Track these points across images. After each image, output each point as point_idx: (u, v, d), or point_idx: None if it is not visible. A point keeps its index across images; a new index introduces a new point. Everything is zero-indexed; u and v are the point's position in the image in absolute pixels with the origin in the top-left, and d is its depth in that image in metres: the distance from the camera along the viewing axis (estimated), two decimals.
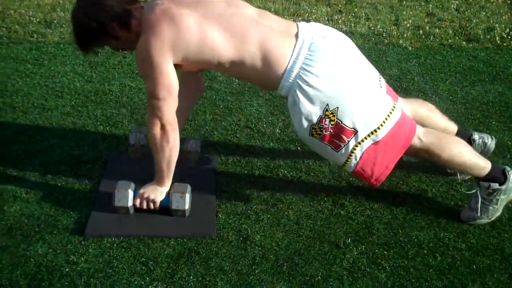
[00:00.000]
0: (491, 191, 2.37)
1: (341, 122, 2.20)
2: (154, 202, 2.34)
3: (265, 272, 2.11)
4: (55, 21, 4.46)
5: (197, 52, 2.18)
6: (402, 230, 2.37)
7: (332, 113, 2.19)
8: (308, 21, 4.75)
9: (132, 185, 2.35)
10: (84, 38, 2.26)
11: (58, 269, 2.07)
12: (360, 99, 2.22)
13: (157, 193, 2.34)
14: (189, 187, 2.37)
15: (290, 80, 2.19)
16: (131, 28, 2.22)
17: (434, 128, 2.55)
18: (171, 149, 2.26)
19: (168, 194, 2.36)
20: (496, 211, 2.39)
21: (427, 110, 2.66)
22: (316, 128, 2.23)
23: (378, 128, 2.23)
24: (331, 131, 2.22)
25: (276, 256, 2.19)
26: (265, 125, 3.13)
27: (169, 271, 2.09)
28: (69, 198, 2.45)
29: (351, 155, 2.26)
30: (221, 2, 2.27)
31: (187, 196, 2.33)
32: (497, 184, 2.36)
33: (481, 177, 2.38)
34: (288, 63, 2.19)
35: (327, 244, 2.27)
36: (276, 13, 4.93)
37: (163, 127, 2.21)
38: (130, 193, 2.33)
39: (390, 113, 2.26)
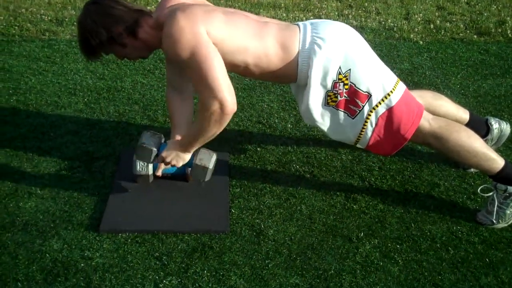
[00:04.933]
0: (507, 194, 2.34)
1: (355, 86, 2.24)
2: (174, 165, 2.37)
3: (278, 266, 2.12)
4: (67, 19, 4.49)
5: (225, 43, 2.17)
6: (415, 224, 2.37)
7: (345, 76, 2.23)
8: (319, 16, 4.78)
9: (155, 150, 2.34)
10: (91, 45, 2.26)
11: (73, 264, 2.10)
12: (370, 63, 2.30)
13: (179, 160, 2.36)
14: (215, 155, 2.38)
15: (306, 48, 2.25)
16: (138, 36, 2.24)
17: (445, 112, 2.58)
18: (219, 129, 2.20)
19: (191, 157, 2.37)
20: None
21: (431, 95, 2.68)
22: (331, 95, 2.27)
23: (391, 91, 2.27)
24: (346, 95, 2.26)
25: (289, 251, 2.20)
26: (276, 121, 3.14)
27: (183, 265, 2.11)
28: (84, 194, 2.47)
29: (367, 122, 2.28)
30: (228, 9, 2.37)
31: (214, 158, 2.34)
32: None
33: (495, 175, 2.35)
34: (300, 39, 2.27)
35: (340, 238, 2.28)
36: (286, 8, 4.95)
37: (222, 107, 2.11)
38: (153, 153, 2.34)
39: (397, 82, 2.32)
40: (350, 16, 4.85)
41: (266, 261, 2.14)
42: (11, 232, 2.23)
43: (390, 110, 2.27)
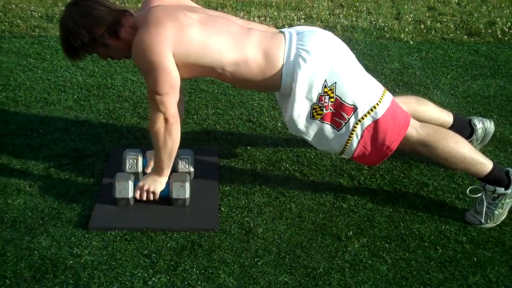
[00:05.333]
0: (496, 195, 2.36)
1: (340, 99, 2.24)
2: (154, 193, 2.36)
3: (268, 265, 2.13)
4: (57, 16, 4.47)
5: (199, 53, 2.19)
6: (404, 223, 2.38)
7: (330, 90, 2.22)
8: (309, 15, 4.78)
9: (132, 176, 2.37)
10: (73, 46, 2.25)
11: (62, 261, 2.09)
12: (356, 75, 2.29)
13: (157, 184, 2.36)
14: (188, 176, 2.39)
15: (291, 60, 2.23)
16: (120, 36, 2.23)
17: (430, 116, 2.60)
18: (173, 141, 2.27)
19: (167, 184, 2.37)
20: (502, 214, 2.38)
21: (415, 100, 2.68)
22: (316, 108, 2.26)
23: (377, 104, 2.26)
24: (331, 109, 2.25)
25: (278, 249, 2.20)
26: (267, 119, 3.14)
27: (172, 263, 2.11)
28: (73, 191, 2.46)
29: (352, 134, 2.28)
30: (211, 11, 2.36)
31: (187, 185, 2.35)
32: (502, 189, 2.34)
33: (484, 177, 2.36)
34: (285, 50, 2.25)
35: (329, 236, 2.28)
36: (277, 7, 4.95)
37: (166, 121, 2.22)
38: (131, 184, 2.34)
39: (384, 93, 2.31)
40: (341, 15, 4.86)
41: (255, 259, 2.15)
42: None
43: (376, 122, 2.27)
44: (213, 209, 2.39)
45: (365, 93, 2.26)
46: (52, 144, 2.79)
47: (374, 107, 2.25)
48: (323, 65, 2.22)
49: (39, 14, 4.49)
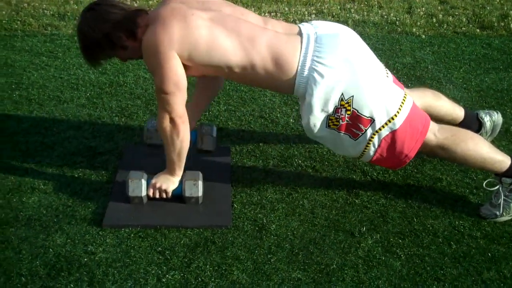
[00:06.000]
0: None
1: (357, 111, 2.20)
2: (166, 191, 2.37)
3: (281, 261, 2.13)
4: (69, 14, 4.48)
5: (205, 54, 2.18)
6: (417, 218, 2.38)
7: (347, 103, 2.18)
8: (320, 10, 4.77)
9: (145, 175, 2.38)
10: (91, 51, 2.27)
11: (76, 259, 2.10)
12: (374, 87, 2.22)
13: (169, 183, 2.37)
14: (201, 174, 2.39)
15: (305, 74, 2.19)
16: (137, 37, 2.22)
17: (445, 112, 2.59)
18: (182, 141, 2.28)
19: (180, 182, 2.38)
20: None
21: (431, 95, 2.67)
22: (332, 119, 2.23)
23: (395, 115, 2.22)
24: (348, 120, 2.22)
25: (291, 245, 2.21)
26: (279, 115, 3.14)
27: (186, 260, 2.12)
28: (86, 189, 2.48)
29: (369, 143, 2.26)
30: (227, 8, 2.30)
31: (200, 183, 2.36)
32: None
33: (502, 173, 2.36)
34: (299, 59, 2.19)
35: (342, 233, 2.28)
36: (288, 2, 4.94)
37: (172, 121, 2.23)
38: (144, 182, 2.35)
39: (403, 101, 2.26)
40: (352, 10, 4.84)
41: (269, 256, 2.15)
42: (14, 227, 2.24)
43: (393, 132, 2.24)
44: (226, 205, 2.39)
45: (384, 104, 2.21)
46: (65, 142, 2.81)
47: (392, 118, 2.22)
48: (341, 80, 2.17)
49: (51, 13, 4.51)
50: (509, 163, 2.34)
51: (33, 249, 2.14)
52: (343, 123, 2.23)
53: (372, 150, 2.28)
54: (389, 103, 2.23)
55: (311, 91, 2.18)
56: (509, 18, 4.68)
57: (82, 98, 3.24)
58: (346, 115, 2.21)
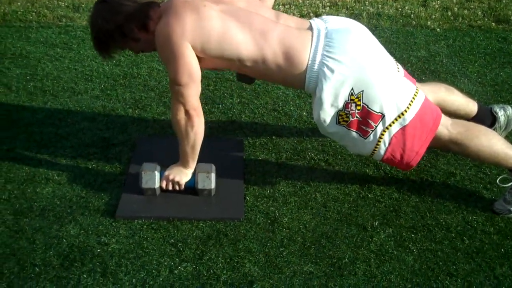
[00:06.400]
0: None
1: (367, 107, 2.19)
2: (179, 184, 2.38)
3: (293, 254, 2.13)
4: (83, 5, 4.50)
5: (217, 47, 2.18)
6: (430, 213, 2.37)
7: (357, 97, 2.18)
8: (335, 2, 4.74)
9: (158, 167, 2.39)
10: (104, 42, 2.29)
11: (89, 249, 2.12)
12: (384, 82, 2.21)
13: (182, 175, 2.38)
14: (213, 167, 2.40)
15: (315, 69, 2.18)
16: (149, 29, 2.24)
17: (457, 106, 2.57)
18: (196, 134, 2.28)
19: (193, 174, 2.39)
20: None
21: (445, 90, 2.64)
22: (342, 115, 2.23)
23: (405, 111, 2.21)
24: (358, 116, 2.21)
25: (303, 239, 2.21)
26: (292, 108, 3.13)
27: (198, 252, 2.13)
28: (100, 180, 2.49)
29: (380, 141, 2.25)
30: (240, 1, 2.31)
31: (213, 176, 2.37)
32: None
33: None
34: (310, 54, 2.19)
35: (354, 227, 2.28)
36: None
37: (187, 113, 2.23)
38: (157, 174, 2.36)
39: (415, 95, 2.25)
40: (367, 2, 4.81)
41: (281, 249, 2.15)
42: (28, 218, 2.26)
43: (403, 128, 2.23)
44: (238, 198, 2.40)
45: (394, 99, 2.20)
46: (79, 133, 2.82)
47: (403, 114, 2.21)
48: (351, 75, 2.16)
49: (66, 4, 4.53)
50: None
51: (47, 239, 2.16)
52: (353, 119, 2.22)
53: (383, 149, 2.27)
54: (400, 98, 2.22)
55: (321, 86, 2.18)
56: None
57: (96, 90, 3.25)
58: (356, 111, 2.20)
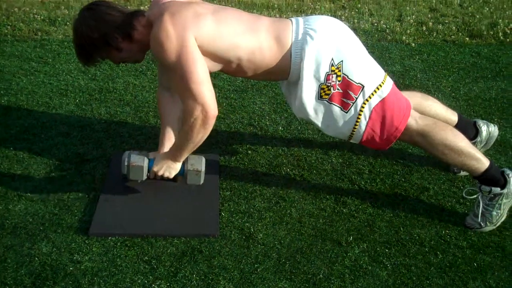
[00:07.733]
0: (492, 196, 2.35)
1: (348, 77, 2.27)
2: (168, 177, 2.40)
3: (268, 271, 2.13)
4: (59, 19, 4.48)
5: (215, 42, 2.22)
6: (404, 228, 2.38)
7: (338, 68, 2.26)
8: None
9: (146, 160, 2.38)
10: (86, 50, 2.30)
11: (62, 268, 2.10)
12: (361, 54, 2.35)
13: (172, 171, 2.39)
14: (203, 160, 2.42)
15: (299, 39, 2.28)
16: (133, 39, 2.27)
17: (435, 112, 2.62)
18: (204, 135, 2.26)
19: (183, 164, 2.40)
20: (501, 216, 2.37)
21: (420, 95, 2.70)
22: (324, 88, 2.29)
23: (382, 82, 2.31)
24: (339, 88, 2.28)
25: (278, 255, 2.21)
26: (268, 123, 3.14)
27: (172, 269, 2.11)
28: (73, 196, 2.47)
29: (360, 115, 2.30)
30: (219, 6, 2.40)
31: (203, 160, 2.41)
32: (498, 189, 2.34)
33: (480, 175, 2.36)
34: (292, 32, 2.30)
35: (329, 242, 2.29)
36: (279, 9, 4.96)
37: (205, 113, 2.19)
38: (145, 168, 2.37)
39: (386, 75, 2.37)
40: (343, 17, 4.86)
41: (255, 265, 2.15)
42: (0, 235, 2.23)
43: (382, 101, 2.30)
44: (213, 214, 2.39)
45: (371, 71, 2.32)
46: (53, 149, 2.80)
47: (380, 86, 2.30)
48: (330, 43, 2.27)
49: (42, 18, 4.51)
50: (487, 164, 2.34)
51: (19, 258, 2.13)
52: (334, 91, 2.28)
53: (363, 123, 2.31)
54: (376, 70, 2.35)
55: (303, 54, 2.27)
56: (498, 26, 4.71)
57: (71, 105, 3.23)
58: (337, 82, 2.27)
